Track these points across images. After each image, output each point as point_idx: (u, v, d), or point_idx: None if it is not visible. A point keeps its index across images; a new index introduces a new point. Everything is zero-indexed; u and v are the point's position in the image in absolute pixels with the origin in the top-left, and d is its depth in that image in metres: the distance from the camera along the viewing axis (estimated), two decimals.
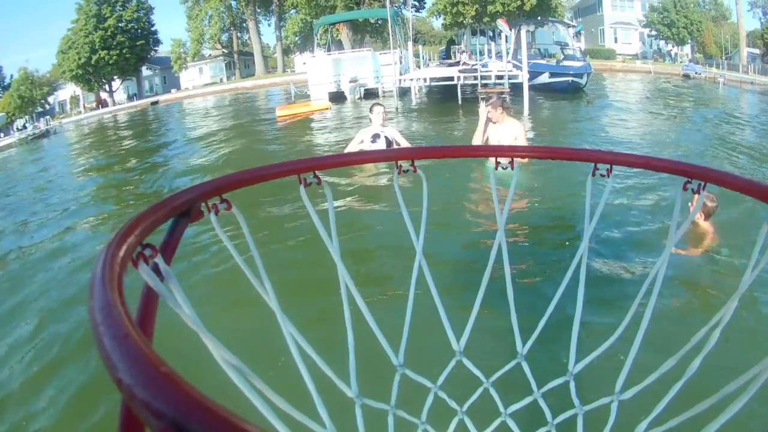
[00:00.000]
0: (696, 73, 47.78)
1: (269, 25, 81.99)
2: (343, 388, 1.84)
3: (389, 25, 30.33)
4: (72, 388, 4.64)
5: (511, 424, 2.05)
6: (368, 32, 66.40)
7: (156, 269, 1.22)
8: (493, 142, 8.72)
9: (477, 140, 9.14)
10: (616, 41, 70.68)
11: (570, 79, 28.88)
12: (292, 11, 72.34)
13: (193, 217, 1.46)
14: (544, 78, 29.60)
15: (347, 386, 1.85)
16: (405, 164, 2.01)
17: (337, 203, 2.02)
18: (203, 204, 1.50)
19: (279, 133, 20.73)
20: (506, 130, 8.82)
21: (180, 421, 0.54)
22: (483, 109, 9.08)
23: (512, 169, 2.12)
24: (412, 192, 2.28)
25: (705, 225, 6.18)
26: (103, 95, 71.42)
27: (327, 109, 26.29)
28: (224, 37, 78.57)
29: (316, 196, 1.93)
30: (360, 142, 10.16)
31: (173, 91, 73.06)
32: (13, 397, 4.74)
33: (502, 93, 21.57)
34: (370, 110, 10.37)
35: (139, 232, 1.12)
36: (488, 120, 9.00)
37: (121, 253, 0.99)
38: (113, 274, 0.88)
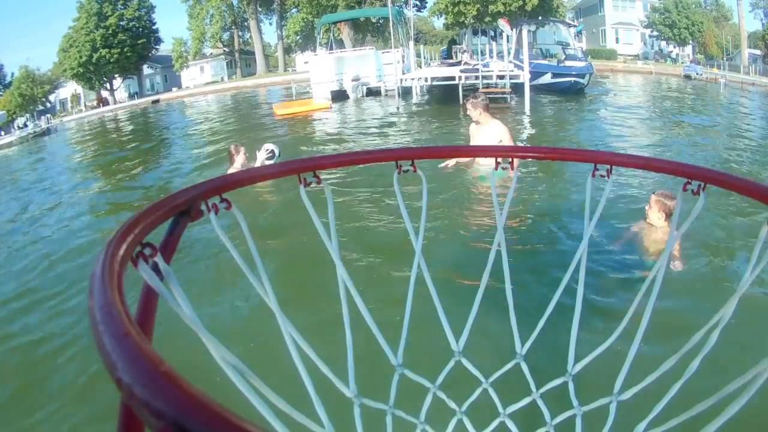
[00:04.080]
0: (697, 73, 47.69)
1: (270, 24, 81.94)
2: (341, 388, 1.84)
3: (391, 24, 30.26)
4: (72, 388, 4.64)
5: (510, 424, 2.05)
6: (369, 31, 66.32)
7: (156, 268, 1.22)
8: (474, 143, 8.62)
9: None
10: (617, 42, 70.61)
11: (573, 79, 28.92)
12: (294, 10, 72.42)
13: (193, 216, 1.46)
14: (547, 78, 29.63)
15: (346, 386, 1.85)
16: (405, 164, 2.01)
17: (336, 203, 2.01)
18: (203, 203, 1.50)
19: (280, 132, 20.70)
20: (490, 132, 8.73)
21: (180, 420, 0.54)
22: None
23: (512, 169, 2.12)
24: (412, 192, 2.28)
25: (664, 225, 6.12)
26: (104, 93, 71.32)
27: (327, 108, 26.21)
28: (225, 36, 78.58)
29: (316, 196, 1.93)
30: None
31: (174, 89, 72.99)
32: (13, 396, 4.74)
33: (503, 93, 21.60)
34: (233, 149, 10.13)
35: (139, 231, 1.13)
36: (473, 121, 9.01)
37: (120, 252, 0.99)
38: (113, 273, 0.88)
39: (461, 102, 22.73)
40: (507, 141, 8.80)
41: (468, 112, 8.94)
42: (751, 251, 1.68)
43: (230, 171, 9.78)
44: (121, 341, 0.67)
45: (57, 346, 5.42)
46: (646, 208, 6.22)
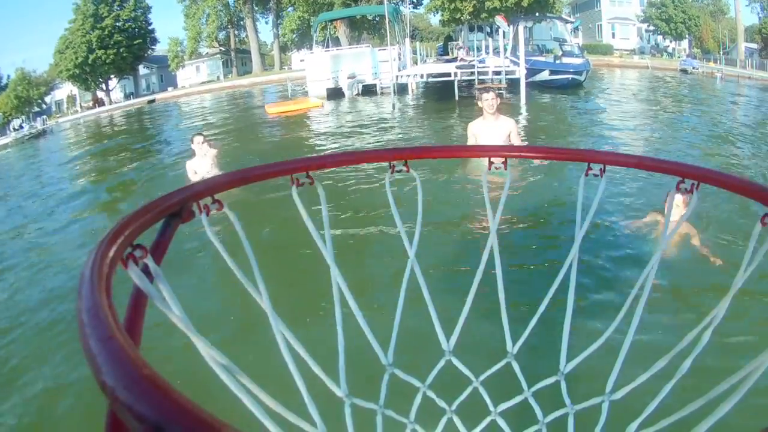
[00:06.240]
0: (693, 68, 47.85)
1: (266, 22, 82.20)
2: (332, 388, 1.85)
3: (387, 22, 30.28)
4: (61, 391, 4.66)
5: (501, 423, 2.05)
6: (366, 29, 66.37)
7: (146, 270, 1.22)
8: (485, 140, 8.65)
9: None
10: (613, 36, 70.69)
11: (570, 76, 29.13)
12: (290, 9, 72.34)
13: (185, 217, 1.45)
14: (545, 75, 29.80)
15: (336, 385, 1.86)
16: (398, 164, 2.01)
17: (329, 203, 2.02)
18: (195, 204, 1.50)
19: (273, 132, 20.74)
20: (499, 128, 8.75)
21: (162, 424, 0.54)
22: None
23: (505, 169, 2.12)
24: (405, 192, 2.29)
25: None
26: (100, 94, 71.35)
27: (319, 106, 26.21)
28: (221, 35, 78.56)
29: (309, 196, 1.93)
30: (194, 173, 10.07)
31: (170, 89, 73.04)
32: (4, 397, 4.76)
33: (499, 88, 21.64)
34: (191, 140, 10.32)
35: (130, 232, 1.12)
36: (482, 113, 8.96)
37: (110, 253, 0.99)
38: (101, 275, 0.88)
39: (457, 98, 22.80)
40: (515, 134, 8.93)
41: (484, 104, 8.74)
42: (744, 250, 1.69)
43: (194, 162, 10.15)
44: (105, 344, 0.67)
45: (46, 348, 5.44)
46: (675, 207, 5.91)
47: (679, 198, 5.65)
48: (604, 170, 1.92)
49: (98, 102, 69.74)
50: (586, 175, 1.97)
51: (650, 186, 8.23)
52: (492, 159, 2.09)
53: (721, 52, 61.88)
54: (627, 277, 5.62)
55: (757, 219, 1.56)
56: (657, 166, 1.93)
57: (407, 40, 35.42)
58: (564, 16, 53.82)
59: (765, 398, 2.67)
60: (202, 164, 9.98)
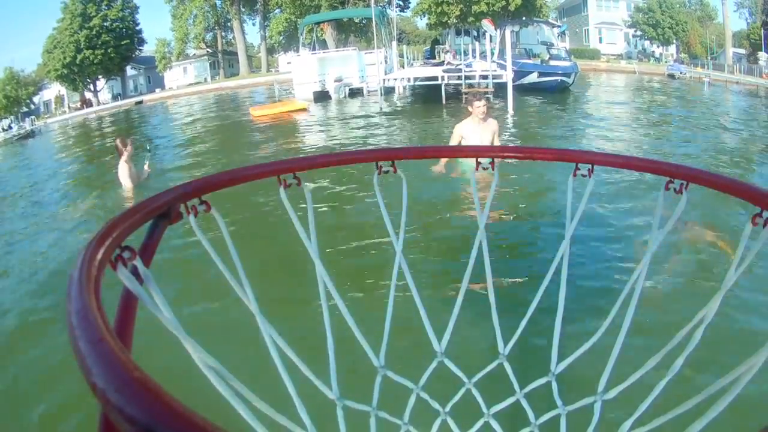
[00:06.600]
0: (681, 73, 47.97)
1: (254, 24, 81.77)
2: (324, 390, 1.83)
3: (374, 25, 30.29)
4: (56, 391, 4.62)
5: (494, 424, 2.04)
6: (353, 32, 66.42)
7: (135, 272, 1.21)
8: (475, 140, 8.74)
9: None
10: (600, 41, 70.78)
11: (559, 78, 29.24)
12: (277, 10, 72.32)
13: (173, 218, 1.45)
14: (533, 77, 29.93)
15: (328, 388, 1.85)
16: (385, 165, 2.00)
17: (316, 204, 2.01)
18: (182, 205, 1.49)
19: (260, 134, 20.67)
20: (484, 130, 8.99)
21: (153, 427, 0.54)
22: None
23: (493, 169, 2.11)
24: (392, 193, 2.27)
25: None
26: (88, 95, 70.99)
27: (304, 109, 26.15)
28: (209, 37, 78.30)
29: (296, 198, 1.92)
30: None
31: (157, 90, 72.77)
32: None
33: (486, 93, 21.66)
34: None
35: (118, 234, 1.12)
36: (470, 119, 9.07)
37: (99, 255, 0.98)
38: (90, 277, 0.87)
39: (444, 102, 22.79)
40: (497, 134, 9.26)
41: (475, 110, 8.98)
42: (735, 249, 1.69)
43: (120, 164, 10.74)
44: (95, 346, 0.67)
45: (38, 350, 5.40)
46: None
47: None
48: (592, 170, 1.92)
49: (86, 103, 69.42)
50: (574, 175, 1.97)
51: (640, 187, 8.27)
52: (479, 159, 2.09)
53: (709, 58, 62.07)
54: (618, 278, 5.62)
55: (747, 219, 1.56)
56: (645, 166, 1.94)
57: (394, 43, 35.52)
58: (551, 20, 53.85)
59: (760, 398, 2.67)
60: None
